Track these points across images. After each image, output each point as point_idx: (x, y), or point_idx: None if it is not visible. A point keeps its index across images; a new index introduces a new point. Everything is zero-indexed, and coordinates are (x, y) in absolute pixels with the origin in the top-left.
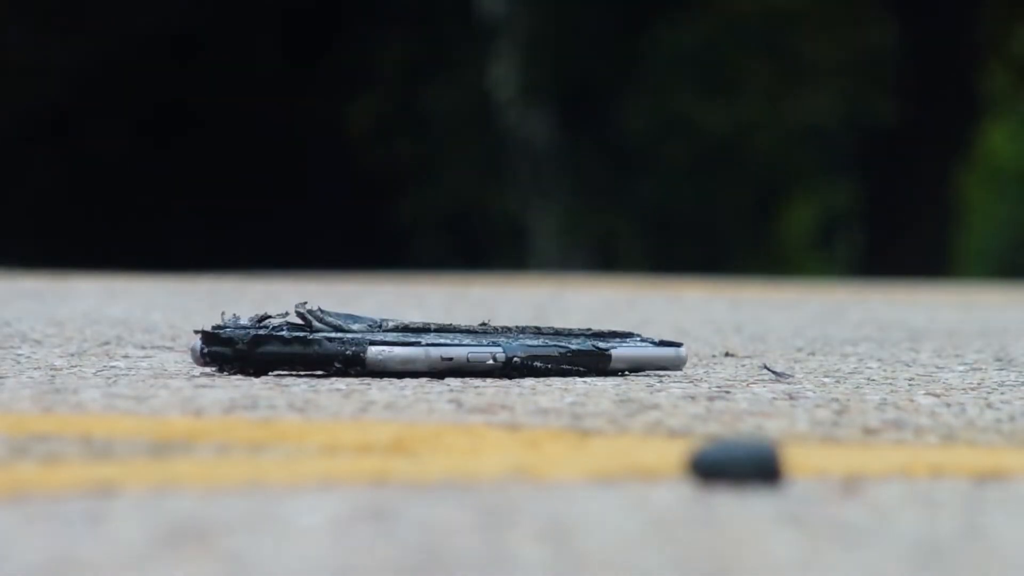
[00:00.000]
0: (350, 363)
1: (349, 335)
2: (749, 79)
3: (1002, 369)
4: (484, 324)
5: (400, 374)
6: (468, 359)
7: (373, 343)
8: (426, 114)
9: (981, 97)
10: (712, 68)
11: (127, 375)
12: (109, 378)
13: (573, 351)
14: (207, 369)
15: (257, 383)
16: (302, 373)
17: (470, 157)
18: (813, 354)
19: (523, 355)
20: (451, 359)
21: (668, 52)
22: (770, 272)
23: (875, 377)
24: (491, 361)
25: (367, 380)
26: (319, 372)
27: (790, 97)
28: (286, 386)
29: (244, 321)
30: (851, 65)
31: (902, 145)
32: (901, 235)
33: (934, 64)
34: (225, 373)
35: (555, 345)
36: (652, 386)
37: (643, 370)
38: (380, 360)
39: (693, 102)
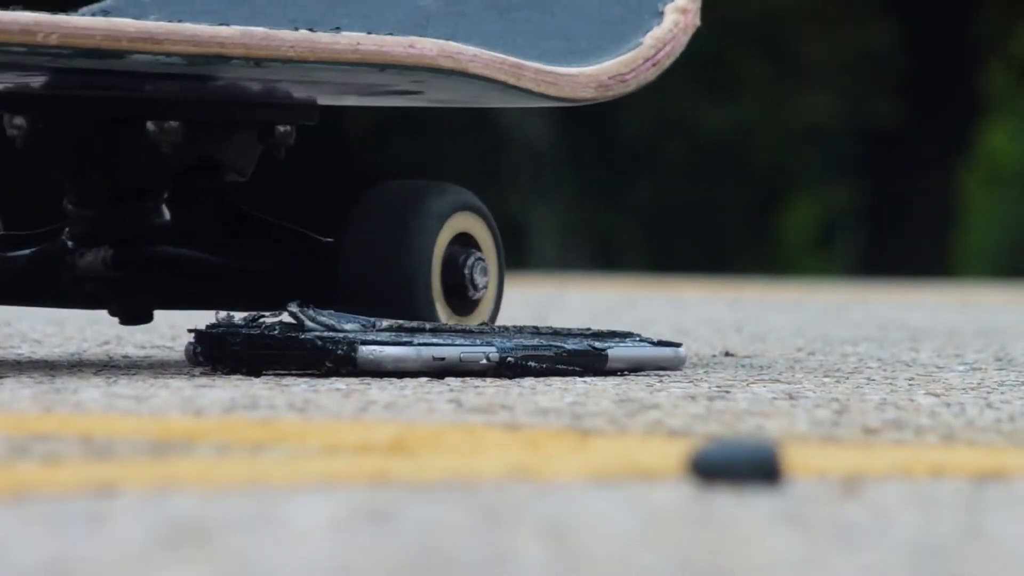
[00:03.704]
0: (341, 362)
1: (341, 334)
2: (749, 79)
3: (1002, 369)
4: (484, 324)
5: (393, 374)
6: (461, 359)
7: (364, 343)
8: (426, 114)
9: (981, 97)
10: (712, 68)
11: (127, 375)
12: (109, 378)
13: (568, 351)
14: (207, 369)
15: (257, 383)
16: (301, 373)
17: (470, 157)
18: (813, 354)
19: (517, 355)
20: (443, 359)
21: None
22: (770, 272)
23: (875, 377)
24: (484, 361)
25: (367, 380)
26: (317, 372)
27: (790, 97)
28: (286, 386)
29: (238, 320)
30: (851, 65)
31: (902, 145)
32: (901, 235)
33: (934, 64)
34: (219, 372)
35: (550, 345)
36: (652, 386)
37: (642, 370)
38: (372, 360)
39: (693, 102)
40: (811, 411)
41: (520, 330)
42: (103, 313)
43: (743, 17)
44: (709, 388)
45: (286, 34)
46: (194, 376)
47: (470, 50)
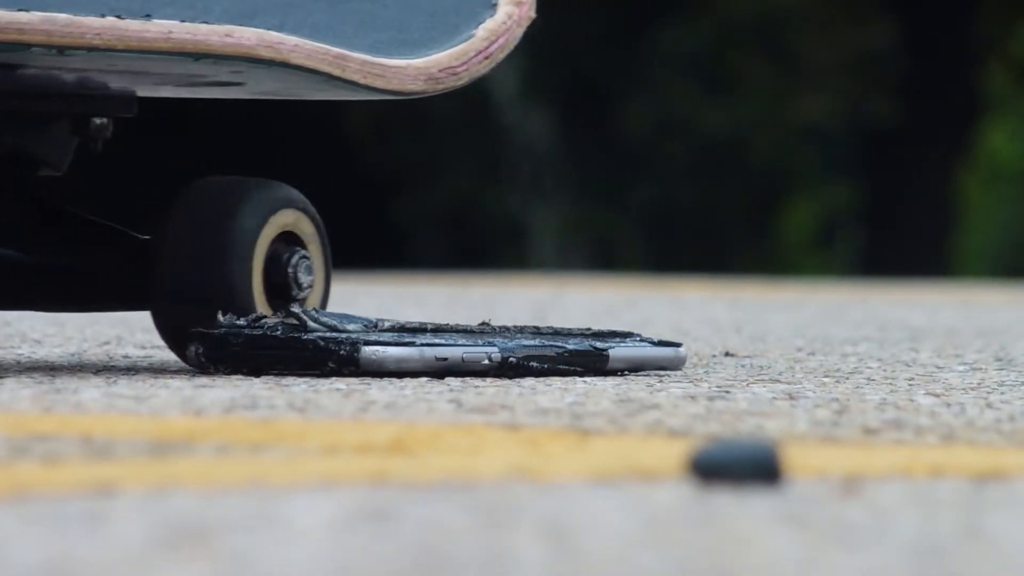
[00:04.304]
0: (344, 363)
1: (343, 335)
2: (749, 79)
3: (1002, 369)
4: (484, 324)
5: (395, 374)
6: (463, 359)
7: (367, 343)
8: (426, 114)
9: (981, 97)
10: (712, 68)
11: (127, 375)
12: (109, 378)
13: (570, 351)
14: (208, 369)
15: (257, 383)
16: (300, 373)
17: (470, 157)
18: (813, 354)
19: (519, 355)
20: (446, 359)
21: (668, 52)
22: (770, 272)
23: (875, 377)
24: (486, 361)
25: (367, 380)
26: (315, 372)
27: (790, 97)
28: (286, 386)
29: (240, 321)
30: (851, 65)
31: (902, 145)
32: (901, 235)
33: (934, 64)
34: (220, 373)
35: (551, 345)
36: (652, 386)
37: (642, 370)
38: (374, 360)
39: (693, 102)
40: (811, 411)
41: (521, 330)
42: (103, 313)
43: (743, 17)
44: (709, 388)
45: (92, 21)
46: (194, 376)
47: (291, 40)
